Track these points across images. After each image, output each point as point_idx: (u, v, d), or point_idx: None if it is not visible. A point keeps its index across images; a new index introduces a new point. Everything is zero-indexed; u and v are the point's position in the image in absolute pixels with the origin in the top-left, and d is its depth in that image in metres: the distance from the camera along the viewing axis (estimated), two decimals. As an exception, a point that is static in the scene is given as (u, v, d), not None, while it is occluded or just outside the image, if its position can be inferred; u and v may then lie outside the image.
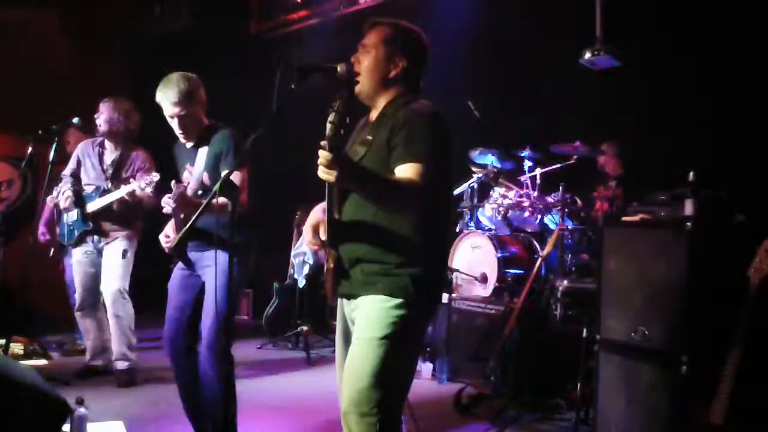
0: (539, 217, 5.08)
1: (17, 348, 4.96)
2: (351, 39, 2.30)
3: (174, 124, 3.15)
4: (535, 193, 5.07)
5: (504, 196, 5.20)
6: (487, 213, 5.34)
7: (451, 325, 4.76)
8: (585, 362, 3.43)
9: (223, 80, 6.60)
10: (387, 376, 2.04)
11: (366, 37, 2.25)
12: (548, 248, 4.36)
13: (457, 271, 5.10)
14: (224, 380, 2.91)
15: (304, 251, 5.69)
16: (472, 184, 5.40)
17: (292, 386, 4.75)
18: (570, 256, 4.73)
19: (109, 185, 4.48)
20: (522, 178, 5.24)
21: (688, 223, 2.91)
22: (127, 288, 4.51)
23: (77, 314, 4.67)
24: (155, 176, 4.08)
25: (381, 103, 2.24)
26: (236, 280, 3.04)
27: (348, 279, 2.17)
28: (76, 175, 4.65)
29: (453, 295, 4.89)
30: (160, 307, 3.28)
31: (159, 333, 3.30)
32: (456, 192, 5.34)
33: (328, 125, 1.85)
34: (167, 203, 2.92)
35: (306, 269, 5.70)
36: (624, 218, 3.27)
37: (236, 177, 2.81)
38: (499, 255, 4.90)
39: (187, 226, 2.38)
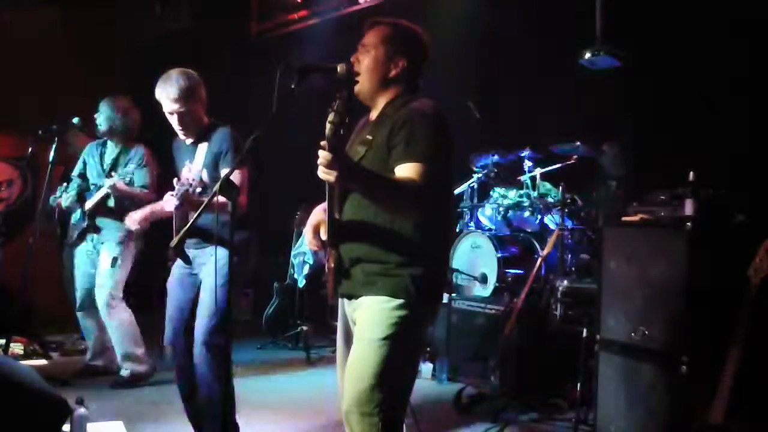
0: (539, 217, 5.08)
1: (17, 348, 4.96)
2: (351, 39, 2.30)
3: (173, 120, 3.15)
4: (535, 193, 5.07)
5: (504, 196, 5.20)
6: (487, 213, 5.34)
7: (451, 325, 4.76)
8: (585, 362, 3.43)
9: (223, 80, 6.61)
10: (389, 376, 2.04)
11: (366, 36, 2.25)
12: (548, 248, 4.36)
13: (457, 271, 5.10)
14: (222, 380, 2.90)
15: (304, 251, 5.70)
16: (472, 184, 5.40)
17: (292, 386, 4.75)
18: (570, 256, 4.73)
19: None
20: (522, 178, 5.24)
21: (688, 223, 2.91)
22: (118, 295, 4.43)
23: (78, 314, 4.66)
24: (130, 168, 4.17)
25: (381, 102, 2.24)
26: (234, 279, 3.03)
27: (349, 279, 2.17)
28: (83, 176, 4.67)
29: (453, 295, 4.90)
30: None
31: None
32: (456, 192, 5.34)
33: (328, 125, 1.85)
34: (170, 201, 2.92)
35: (306, 269, 5.70)
36: (624, 218, 3.27)
37: (236, 177, 2.81)
38: (499, 255, 4.90)
39: (187, 226, 2.38)
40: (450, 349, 4.75)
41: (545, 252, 4.39)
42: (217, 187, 2.28)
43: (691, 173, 3.03)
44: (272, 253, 6.37)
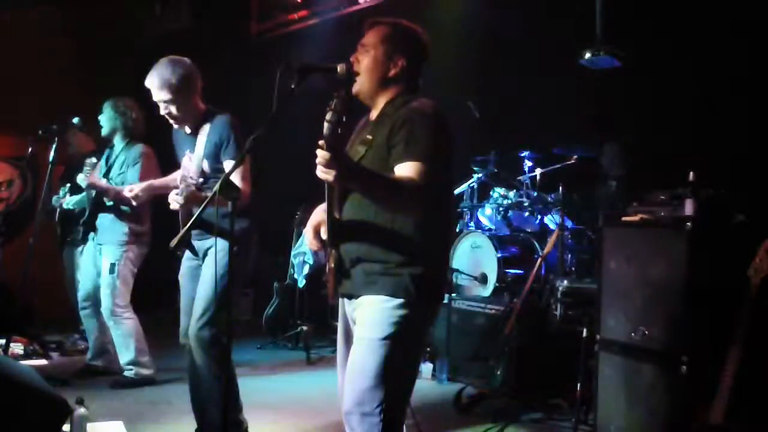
0: (539, 217, 5.08)
1: (17, 348, 4.96)
2: (351, 39, 2.30)
3: (162, 109, 3.15)
4: (535, 193, 5.07)
5: (504, 196, 5.20)
6: (487, 213, 5.35)
7: (451, 325, 4.76)
8: (585, 362, 3.43)
9: (223, 80, 6.61)
10: (389, 376, 2.04)
11: (365, 36, 2.25)
12: (548, 248, 4.36)
13: (457, 271, 5.10)
14: (220, 376, 2.90)
15: (304, 251, 5.69)
16: (472, 184, 5.40)
17: (292, 386, 4.75)
18: (570, 256, 4.73)
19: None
20: (522, 178, 5.24)
21: (688, 223, 2.91)
22: (122, 302, 4.38)
23: (81, 312, 4.65)
24: (92, 160, 4.20)
25: (381, 102, 2.24)
26: (233, 272, 3.02)
27: (349, 278, 2.16)
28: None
29: (453, 295, 4.90)
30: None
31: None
32: (456, 192, 5.35)
33: (326, 124, 1.84)
34: (175, 199, 2.92)
35: (306, 269, 5.70)
36: (624, 218, 3.27)
37: (236, 173, 2.81)
38: (499, 255, 4.90)
39: (187, 225, 2.39)
40: (450, 349, 4.75)
41: (545, 252, 4.39)
42: (217, 187, 2.29)
43: (691, 173, 3.03)
44: (272, 253, 6.38)
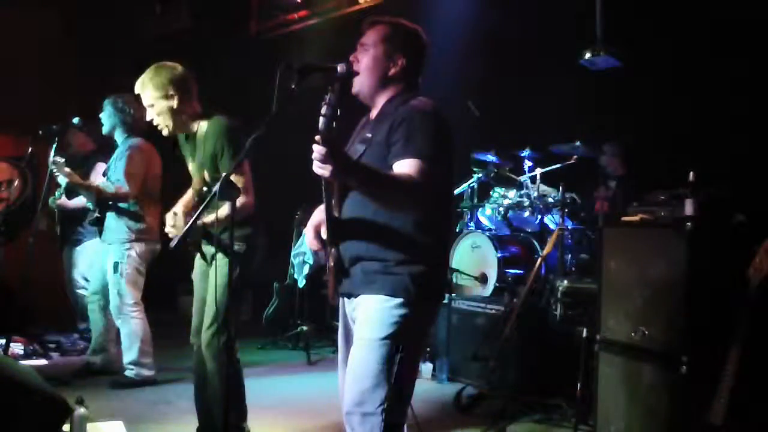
0: (539, 217, 5.08)
1: (17, 348, 4.96)
2: (351, 39, 2.30)
3: (153, 114, 3.10)
4: (535, 193, 5.07)
5: (504, 196, 5.20)
6: (487, 213, 5.35)
7: (451, 325, 4.76)
8: (585, 362, 3.43)
9: (223, 80, 6.62)
10: (389, 376, 2.03)
11: (365, 35, 2.24)
12: (548, 248, 4.35)
13: (457, 271, 5.10)
14: (224, 380, 2.90)
15: (304, 251, 5.69)
16: (472, 184, 5.40)
17: (292, 386, 4.75)
18: (570, 256, 4.73)
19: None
20: (522, 178, 5.24)
21: (688, 223, 2.91)
22: (129, 302, 4.36)
23: (89, 306, 4.65)
24: (58, 159, 4.23)
25: (380, 101, 2.24)
26: (237, 279, 3.02)
27: (348, 277, 2.16)
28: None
29: (453, 295, 4.90)
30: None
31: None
32: (456, 192, 5.34)
33: (321, 119, 1.84)
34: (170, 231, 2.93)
35: (306, 269, 5.70)
36: (624, 218, 3.27)
37: (239, 181, 2.80)
38: (499, 255, 4.90)
39: (187, 226, 2.39)
40: (450, 349, 4.75)
41: (545, 252, 4.38)
42: (216, 187, 2.29)
43: (691, 173, 3.03)
44: (272, 253, 6.37)
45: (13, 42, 6.46)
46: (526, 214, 5.14)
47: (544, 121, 5.19)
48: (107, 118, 4.54)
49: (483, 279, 5.01)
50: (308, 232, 2.29)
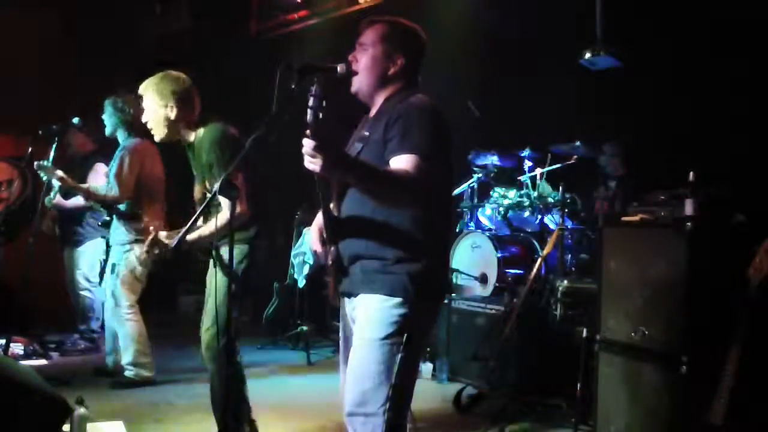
0: (539, 217, 5.09)
1: (17, 348, 4.96)
2: (351, 39, 2.30)
3: (149, 115, 3.17)
4: (535, 193, 5.07)
5: (504, 196, 5.20)
6: (487, 213, 5.35)
7: (451, 325, 4.76)
8: (585, 362, 3.43)
9: (223, 80, 6.62)
10: (390, 376, 2.03)
11: (363, 35, 2.24)
12: (548, 248, 4.35)
13: (457, 271, 5.10)
14: (224, 380, 2.91)
15: (304, 251, 5.69)
16: (472, 184, 5.40)
17: (292, 386, 4.75)
18: (570, 256, 4.73)
19: None
20: (522, 178, 5.24)
21: (688, 223, 2.91)
22: (125, 304, 4.35)
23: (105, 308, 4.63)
24: (44, 163, 4.20)
25: (379, 100, 2.23)
26: (238, 281, 3.02)
27: (348, 276, 2.16)
28: None
29: (453, 295, 4.89)
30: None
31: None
32: (456, 192, 5.35)
33: (309, 111, 1.83)
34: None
35: (306, 269, 5.69)
36: (624, 218, 3.27)
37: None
38: (499, 255, 4.90)
39: (188, 225, 2.39)
40: (450, 349, 4.75)
41: (545, 252, 4.38)
42: (216, 187, 2.29)
43: (691, 173, 3.03)
44: (272, 253, 6.37)
45: (13, 42, 6.46)
46: (526, 214, 5.13)
47: (544, 121, 5.19)
48: (108, 119, 4.53)
49: (483, 279, 5.01)
50: (313, 232, 2.28)
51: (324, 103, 1.84)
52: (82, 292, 5.27)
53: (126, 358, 4.38)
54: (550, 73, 5.15)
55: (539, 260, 4.44)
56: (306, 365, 5.31)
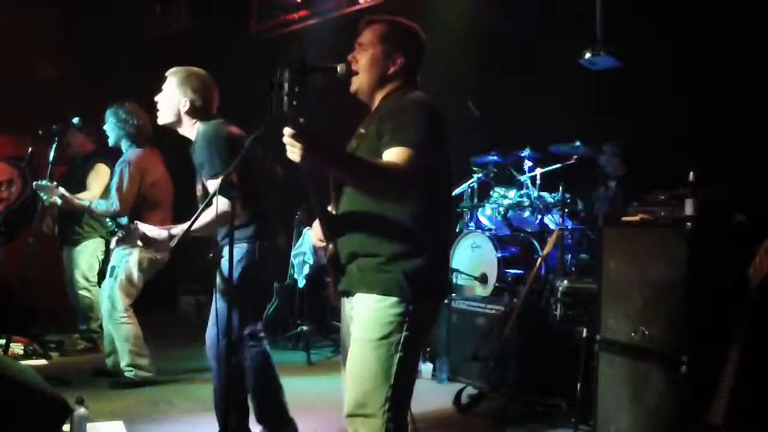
0: (539, 217, 5.09)
1: (17, 348, 4.96)
2: (351, 39, 2.30)
3: (162, 96, 3.22)
4: (535, 193, 5.07)
5: (504, 196, 5.20)
6: (487, 213, 5.35)
7: (451, 325, 4.76)
8: (585, 362, 3.43)
9: (223, 80, 6.60)
10: (389, 377, 2.02)
11: (362, 35, 2.23)
12: (548, 248, 4.36)
13: (457, 271, 5.10)
14: (224, 381, 2.91)
15: (304, 251, 5.69)
16: (472, 184, 5.40)
17: (292, 387, 4.72)
18: (570, 256, 4.73)
19: None
20: (522, 178, 5.24)
21: (688, 223, 2.91)
22: (121, 307, 4.33)
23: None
24: (43, 183, 4.21)
25: (378, 98, 2.23)
26: (239, 284, 3.02)
27: (345, 275, 2.15)
28: None
29: (453, 295, 4.90)
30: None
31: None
32: (456, 192, 5.35)
33: (284, 99, 1.82)
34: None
35: (306, 269, 5.70)
36: (624, 218, 3.27)
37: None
38: (499, 255, 4.90)
39: (188, 225, 2.39)
40: (450, 349, 4.75)
41: (545, 252, 4.39)
42: (217, 186, 2.29)
43: (691, 173, 3.03)
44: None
45: (13, 42, 6.46)
46: (526, 214, 5.14)
47: (544, 121, 5.19)
48: (111, 130, 4.47)
49: (483, 279, 5.01)
50: (314, 232, 2.28)
51: (296, 88, 1.83)
52: (80, 292, 5.26)
53: (123, 360, 4.38)
54: (550, 73, 5.16)
55: (539, 260, 4.44)
56: (306, 365, 5.30)
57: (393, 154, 1.99)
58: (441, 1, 5.83)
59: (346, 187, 2.13)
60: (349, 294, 2.18)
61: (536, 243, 5.04)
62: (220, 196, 2.32)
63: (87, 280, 5.29)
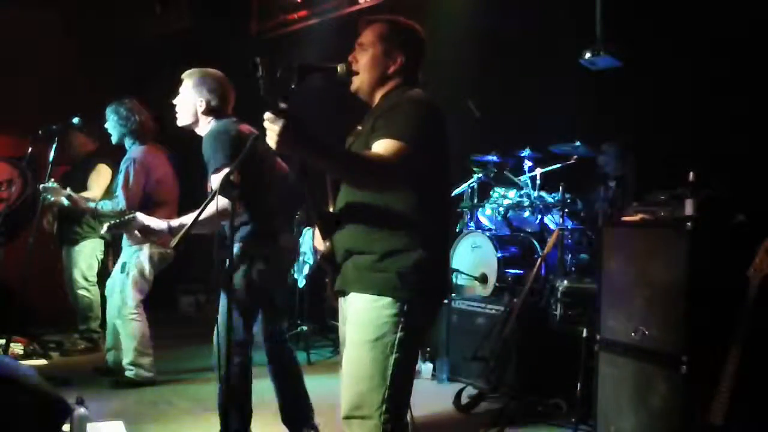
0: (539, 217, 5.09)
1: (17, 348, 4.96)
2: (351, 39, 2.30)
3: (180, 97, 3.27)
4: (535, 193, 5.07)
5: (504, 196, 5.20)
6: (487, 213, 5.35)
7: (451, 325, 4.77)
8: (585, 362, 3.43)
9: (223, 80, 6.60)
10: (385, 377, 2.00)
11: (362, 35, 2.23)
12: (548, 248, 4.36)
13: (457, 271, 5.10)
14: (224, 381, 2.91)
15: (304, 251, 5.69)
16: (472, 184, 5.40)
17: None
18: (570, 256, 4.73)
19: None
20: (522, 178, 5.24)
21: (688, 223, 2.91)
22: (131, 303, 4.33)
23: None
24: (49, 185, 4.24)
25: (378, 97, 2.23)
26: (241, 288, 3.02)
27: (341, 273, 2.14)
28: None
29: (453, 295, 4.90)
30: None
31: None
32: (456, 192, 5.34)
33: (260, 85, 1.83)
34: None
35: (306, 269, 5.70)
36: (624, 218, 3.27)
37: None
38: (499, 255, 4.90)
39: (187, 226, 2.39)
40: (450, 349, 4.75)
41: (545, 252, 4.39)
42: (217, 186, 2.29)
43: (691, 173, 3.03)
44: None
45: (13, 42, 6.46)
46: (526, 214, 5.14)
47: (544, 121, 5.19)
48: (113, 128, 4.46)
49: (483, 279, 5.01)
50: (315, 231, 2.28)
51: (270, 74, 1.84)
52: (79, 291, 5.27)
53: (127, 358, 4.38)
54: (550, 73, 5.15)
55: (539, 260, 4.45)
56: (306, 365, 5.30)
57: (380, 146, 1.98)
58: (441, 1, 5.82)
59: (342, 185, 2.13)
60: (344, 293, 2.17)
61: (536, 243, 5.04)
62: (220, 196, 2.32)
63: (86, 279, 5.29)
